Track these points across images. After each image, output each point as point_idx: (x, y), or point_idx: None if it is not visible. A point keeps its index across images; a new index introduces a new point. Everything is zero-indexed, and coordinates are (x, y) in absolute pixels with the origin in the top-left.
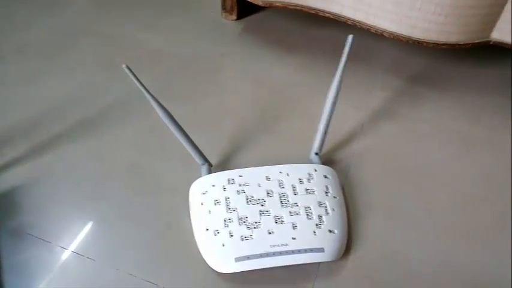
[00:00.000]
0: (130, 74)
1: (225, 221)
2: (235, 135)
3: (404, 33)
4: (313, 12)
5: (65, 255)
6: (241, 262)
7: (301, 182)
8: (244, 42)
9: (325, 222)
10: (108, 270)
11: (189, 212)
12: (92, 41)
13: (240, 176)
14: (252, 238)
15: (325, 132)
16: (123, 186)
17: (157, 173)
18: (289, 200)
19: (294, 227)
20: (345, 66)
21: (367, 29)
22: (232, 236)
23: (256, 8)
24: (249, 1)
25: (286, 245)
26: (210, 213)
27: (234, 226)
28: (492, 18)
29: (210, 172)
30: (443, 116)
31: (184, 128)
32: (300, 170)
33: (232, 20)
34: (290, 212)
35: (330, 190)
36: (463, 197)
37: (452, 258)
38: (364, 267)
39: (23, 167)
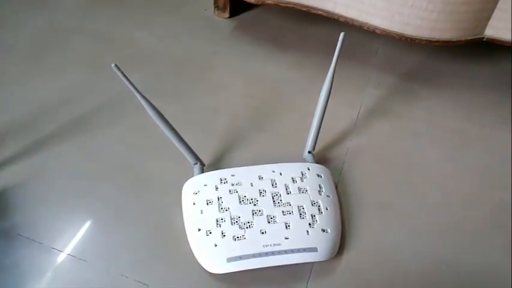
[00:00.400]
0: (119, 73)
1: (217, 220)
2: (228, 134)
3: (396, 30)
4: (305, 9)
5: (57, 256)
6: (234, 262)
7: (294, 181)
8: (236, 40)
9: (318, 222)
10: (100, 271)
11: (181, 211)
12: (83, 39)
13: (233, 175)
14: (245, 238)
15: (318, 131)
16: (115, 186)
17: (150, 173)
18: (282, 199)
19: (287, 226)
20: (337, 63)
21: (360, 26)
22: (224, 236)
23: (249, 6)
24: None
25: (279, 244)
26: (202, 213)
27: (226, 226)
28: (485, 15)
29: (202, 171)
30: (437, 113)
31: (177, 127)
32: (292, 169)
33: (224, 18)
34: (283, 212)
35: (323, 189)
36: (457, 196)
37: (446, 257)
38: (358, 266)
39: (14, 167)
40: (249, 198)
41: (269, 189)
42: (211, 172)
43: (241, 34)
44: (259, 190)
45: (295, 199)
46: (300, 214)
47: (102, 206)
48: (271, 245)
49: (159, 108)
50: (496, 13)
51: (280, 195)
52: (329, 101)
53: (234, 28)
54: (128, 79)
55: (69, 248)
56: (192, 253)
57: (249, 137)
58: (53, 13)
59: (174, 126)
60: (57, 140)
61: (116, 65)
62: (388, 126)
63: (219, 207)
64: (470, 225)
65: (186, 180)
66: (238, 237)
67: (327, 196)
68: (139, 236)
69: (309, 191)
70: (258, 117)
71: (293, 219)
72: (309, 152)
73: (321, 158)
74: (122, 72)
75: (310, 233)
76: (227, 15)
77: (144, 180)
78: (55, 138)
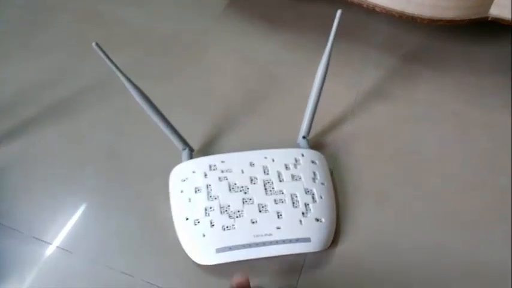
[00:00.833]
0: (100, 53)
1: (205, 209)
2: (218, 118)
3: (397, 8)
4: None
5: (39, 246)
6: (223, 253)
7: (287, 168)
8: (229, 18)
9: (311, 211)
10: (84, 262)
11: (169, 199)
12: (67, 18)
13: (223, 161)
14: (234, 228)
15: (313, 115)
16: (100, 173)
17: (137, 159)
18: (274, 187)
19: (279, 215)
20: (333, 43)
21: (359, 3)
22: (213, 225)
23: None
24: None
25: (271, 234)
26: (190, 201)
27: (215, 215)
28: None
29: (191, 157)
30: (438, 96)
31: (164, 110)
32: (286, 155)
33: None
34: (275, 200)
35: (318, 176)
36: (458, 182)
37: (446, 247)
38: (353, 257)
39: None
40: (240, 186)
41: (261, 177)
42: (200, 158)
43: (234, 12)
44: (250, 177)
45: (288, 187)
46: (293, 203)
47: (86, 194)
48: (262, 235)
49: (146, 90)
50: None
51: (272, 182)
52: (325, 83)
53: (226, 6)
54: (110, 59)
55: (52, 238)
56: (180, 243)
57: (241, 121)
58: None
59: (162, 109)
60: (39, 125)
61: (96, 44)
62: (387, 110)
63: (207, 195)
64: (471, 212)
65: (174, 166)
66: (227, 227)
67: (322, 184)
68: (125, 226)
69: (302, 179)
70: (251, 100)
71: (285, 208)
72: (303, 137)
73: (315, 143)
74: (104, 52)
75: (303, 222)
76: None
77: (130, 166)
78: (36, 123)
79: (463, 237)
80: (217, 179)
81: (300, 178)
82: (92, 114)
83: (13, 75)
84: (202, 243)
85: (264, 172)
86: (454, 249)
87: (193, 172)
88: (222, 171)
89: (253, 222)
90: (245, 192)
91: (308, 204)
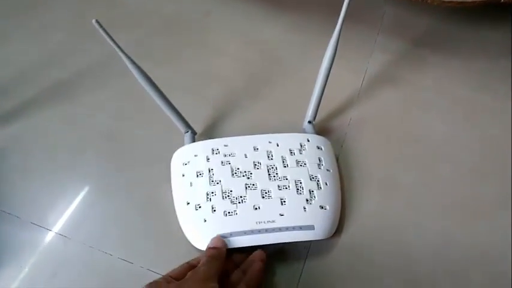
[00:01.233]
0: (101, 30)
1: (207, 194)
2: (221, 101)
3: None
4: None
5: (36, 231)
6: (226, 239)
7: (292, 153)
8: None
9: (316, 198)
10: (83, 248)
11: (170, 184)
12: None
13: (226, 145)
14: (236, 214)
15: (320, 99)
16: (100, 157)
17: (138, 142)
18: (278, 172)
19: (283, 202)
20: (342, 26)
21: None
22: (215, 211)
23: None
24: None
25: (273, 221)
26: (191, 185)
27: (217, 200)
28: None
29: (193, 141)
30: (446, 81)
31: (166, 93)
32: (291, 140)
33: None
34: (278, 186)
35: (323, 162)
36: (466, 169)
37: (453, 235)
38: (359, 244)
39: None
40: (243, 171)
41: (264, 162)
42: (202, 141)
43: None
44: (254, 162)
45: (292, 173)
46: (297, 189)
47: (85, 179)
48: (264, 222)
49: (147, 72)
50: None
51: (276, 168)
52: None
53: None
54: (111, 37)
55: (50, 224)
56: (181, 229)
57: (245, 104)
58: None
59: (163, 92)
60: (37, 107)
61: (97, 21)
62: (394, 95)
63: (209, 179)
64: (480, 200)
65: (177, 149)
66: (229, 213)
67: (327, 170)
68: (125, 211)
69: (307, 165)
70: (254, 83)
71: (289, 194)
72: (309, 122)
73: (321, 129)
74: (104, 30)
75: (307, 209)
76: None
77: (131, 151)
78: (36, 105)
79: (471, 225)
80: (220, 163)
81: (305, 164)
82: (92, 97)
83: (12, 55)
84: (203, 229)
85: (268, 157)
86: (463, 239)
87: (196, 156)
88: (225, 155)
89: (255, 209)
90: (248, 177)
91: (313, 191)
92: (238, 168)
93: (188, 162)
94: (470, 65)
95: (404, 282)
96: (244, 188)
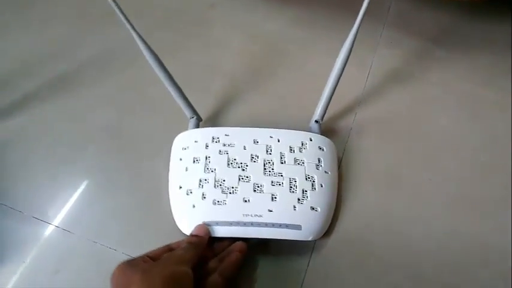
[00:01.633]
0: (117, 10)
1: (200, 181)
2: (225, 95)
3: None
4: None
5: (39, 226)
6: (210, 227)
7: (291, 150)
8: None
9: (308, 198)
10: (86, 243)
11: None
12: None
13: (227, 135)
14: (225, 203)
15: (329, 100)
16: (102, 151)
17: (140, 136)
18: (274, 168)
19: (273, 198)
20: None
21: None
22: (205, 198)
23: None
24: None
25: (261, 216)
26: (186, 170)
27: (208, 188)
28: None
29: (198, 127)
30: (452, 77)
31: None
32: (292, 137)
33: None
34: (272, 182)
35: (322, 164)
36: (473, 166)
37: (459, 233)
38: (366, 241)
39: None
40: (239, 162)
41: (262, 156)
42: (205, 128)
43: None
44: (251, 155)
45: (288, 170)
46: (291, 187)
47: (88, 172)
48: (251, 215)
49: (150, 65)
50: None
51: (272, 163)
52: (334, 61)
53: None
54: (125, 16)
55: (52, 218)
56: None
57: (249, 98)
58: None
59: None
60: (38, 100)
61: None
62: (400, 90)
63: (205, 167)
64: (485, 197)
65: (178, 135)
66: (218, 202)
67: (325, 172)
68: (129, 205)
69: (305, 164)
70: (260, 77)
71: (281, 191)
72: (316, 122)
73: (325, 124)
74: (120, 9)
75: (297, 209)
76: None
77: (132, 144)
78: (36, 98)
79: (476, 222)
80: (218, 151)
81: (303, 163)
82: (93, 90)
83: (10, 48)
84: (191, 214)
85: (267, 152)
86: (468, 235)
87: (196, 142)
88: (224, 145)
89: (245, 201)
90: (243, 169)
91: (306, 191)
92: (235, 159)
93: (188, 147)
94: (476, 60)
95: (410, 277)
96: (238, 179)
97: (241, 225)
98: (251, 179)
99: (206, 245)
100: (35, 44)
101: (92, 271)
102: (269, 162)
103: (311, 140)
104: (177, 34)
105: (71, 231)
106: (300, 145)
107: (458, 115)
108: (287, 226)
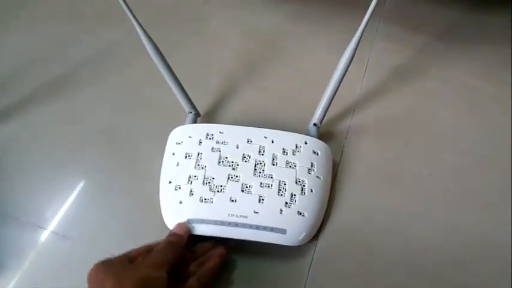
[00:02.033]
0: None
1: (189, 177)
2: (223, 92)
3: None
4: None
5: (36, 232)
6: (194, 225)
7: (284, 152)
8: None
9: (296, 203)
10: (82, 247)
11: None
12: None
13: (221, 132)
14: (212, 202)
15: (329, 103)
16: (100, 153)
17: (138, 137)
18: (265, 169)
19: (261, 200)
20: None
21: None
22: (192, 194)
23: None
24: None
25: (246, 217)
26: (178, 165)
27: (197, 185)
28: None
29: (194, 122)
30: (451, 69)
31: (165, 83)
32: (287, 139)
33: None
34: (261, 183)
35: (315, 168)
36: (473, 160)
37: (461, 229)
38: (367, 241)
39: None
40: (230, 161)
41: (254, 156)
42: (200, 124)
43: None
44: (244, 154)
45: (278, 172)
46: (279, 190)
47: (85, 176)
48: (236, 216)
49: (146, 63)
50: None
51: (264, 164)
52: (332, 57)
53: None
54: (128, 7)
55: (50, 223)
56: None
57: (247, 95)
58: None
59: (162, 81)
60: (32, 103)
61: None
62: (398, 85)
63: (196, 163)
64: (487, 191)
65: (174, 129)
66: (205, 199)
67: (317, 177)
68: (127, 209)
69: (297, 167)
70: (256, 75)
71: (269, 193)
72: (315, 125)
73: (323, 124)
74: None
75: (283, 212)
76: None
77: (131, 145)
78: (30, 101)
79: (478, 217)
80: (210, 148)
81: (294, 166)
82: (88, 92)
83: (2, 50)
84: (177, 210)
85: (259, 152)
86: (470, 231)
87: (190, 137)
88: (218, 142)
89: (232, 201)
90: (233, 168)
91: (295, 195)
92: (226, 157)
93: (181, 142)
94: (475, 52)
95: (413, 274)
96: (227, 178)
97: (225, 225)
98: (240, 178)
99: (185, 244)
100: (27, 44)
101: None
102: (260, 163)
103: (306, 144)
104: (172, 31)
105: (68, 236)
106: (294, 148)
107: (457, 108)
108: (272, 229)
